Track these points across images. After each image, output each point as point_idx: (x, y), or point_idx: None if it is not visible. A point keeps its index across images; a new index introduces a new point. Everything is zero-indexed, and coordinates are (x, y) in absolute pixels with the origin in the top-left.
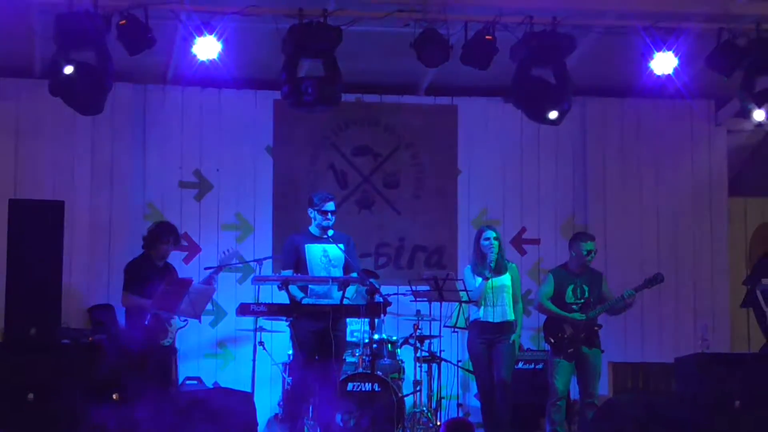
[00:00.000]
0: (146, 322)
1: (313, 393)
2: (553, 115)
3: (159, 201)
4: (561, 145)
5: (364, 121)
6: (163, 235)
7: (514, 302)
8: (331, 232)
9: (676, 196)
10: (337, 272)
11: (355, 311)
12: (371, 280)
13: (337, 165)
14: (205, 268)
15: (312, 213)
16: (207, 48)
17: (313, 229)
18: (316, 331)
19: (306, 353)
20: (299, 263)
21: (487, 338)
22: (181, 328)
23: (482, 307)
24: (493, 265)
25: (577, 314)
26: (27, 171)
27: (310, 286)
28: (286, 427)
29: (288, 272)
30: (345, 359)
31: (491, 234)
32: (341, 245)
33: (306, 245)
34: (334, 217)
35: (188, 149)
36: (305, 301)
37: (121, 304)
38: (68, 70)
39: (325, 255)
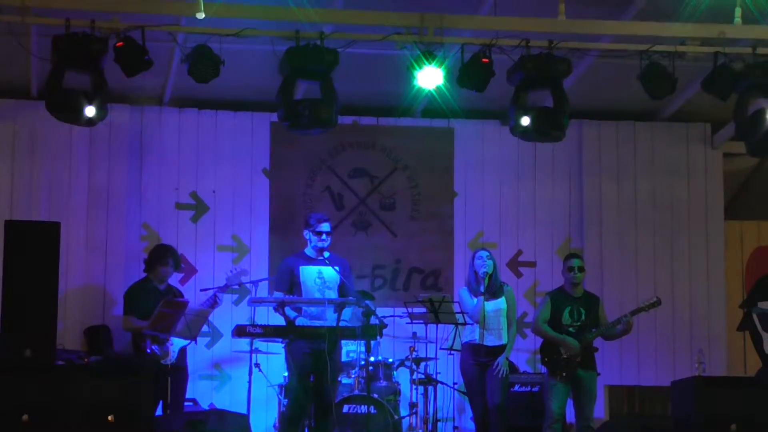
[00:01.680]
0: (148, 350)
1: (308, 415)
2: (525, 121)
3: (155, 222)
4: (557, 168)
5: (360, 144)
6: (162, 257)
7: (509, 325)
8: (327, 254)
9: (673, 220)
10: (332, 294)
11: (351, 333)
12: (367, 302)
13: (333, 187)
14: (201, 290)
15: (307, 234)
16: (206, 71)
17: (309, 251)
18: (311, 353)
19: (301, 375)
20: (294, 285)
21: (481, 361)
22: (184, 347)
23: (477, 330)
24: (486, 281)
25: (572, 339)
26: (23, 192)
27: (304, 307)
28: None
29: (279, 294)
30: (341, 381)
31: (484, 254)
32: (337, 267)
33: (301, 267)
34: (329, 238)
35: (185, 171)
36: (299, 321)
37: (123, 329)
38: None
39: (320, 277)
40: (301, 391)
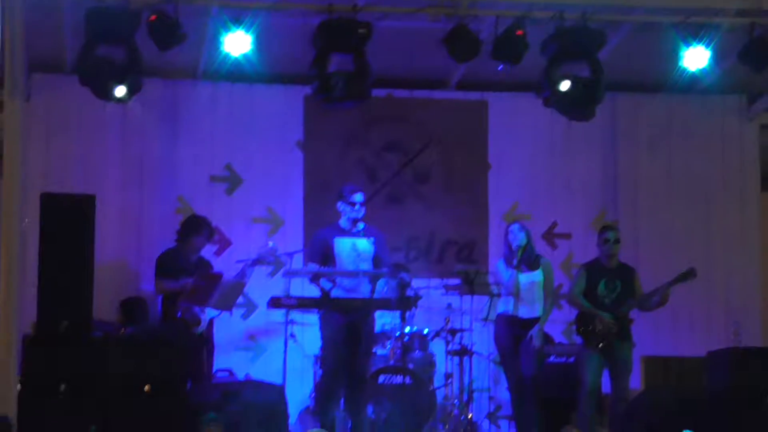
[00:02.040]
0: (179, 314)
1: (343, 386)
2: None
3: (190, 195)
4: (592, 140)
5: (394, 117)
6: (197, 228)
7: (545, 297)
8: (361, 226)
9: (708, 192)
10: (366, 266)
11: (386, 304)
12: (402, 273)
13: (367, 160)
14: (237, 261)
15: (341, 206)
16: (237, 43)
17: (343, 222)
18: (345, 324)
19: (336, 346)
20: (328, 257)
21: (515, 333)
22: (215, 317)
23: (512, 301)
24: (519, 254)
25: (606, 313)
26: (58, 165)
27: (338, 279)
28: (318, 420)
29: (313, 266)
30: (375, 353)
31: (516, 227)
32: (371, 238)
33: (335, 239)
34: (363, 209)
35: (219, 144)
36: (334, 293)
37: (156, 292)
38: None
39: (354, 249)
40: (335, 363)
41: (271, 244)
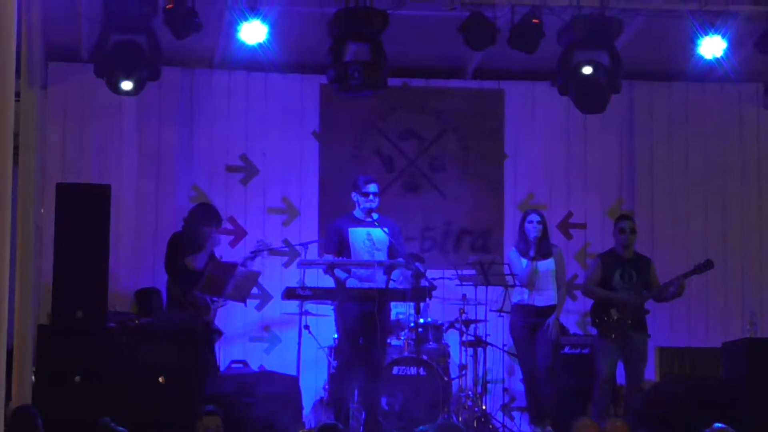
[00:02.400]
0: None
1: (358, 377)
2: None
3: (205, 185)
4: (608, 129)
5: (410, 106)
6: (205, 217)
7: (559, 287)
8: (375, 216)
9: (725, 181)
10: (381, 256)
11: (400, 295)
12: (417, 264)
13: (383, 149)
14: (251, 252)
15: (355, 196)
16: (253, 32)
17: (357, 212)
18: (361, 315)
19: (350, 337)
20: (343, 247)
21: (531, 322)
22: (221, 307)
23: (527, 291)
24: (536, 246)
25: (625, 295)
26: (74, 155)
27: (353, 269)
28: (332, 411)
29: (328, 256)
30: (390, 343)
31: (535, 218)
32: (386, 228)
33: (350, 229)
34: (377, 199)
35: (235, 133)
36: (349, 284)
37: (193, 267)
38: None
39: (368, 238)
40: (350, 353)
41: (263, 241)
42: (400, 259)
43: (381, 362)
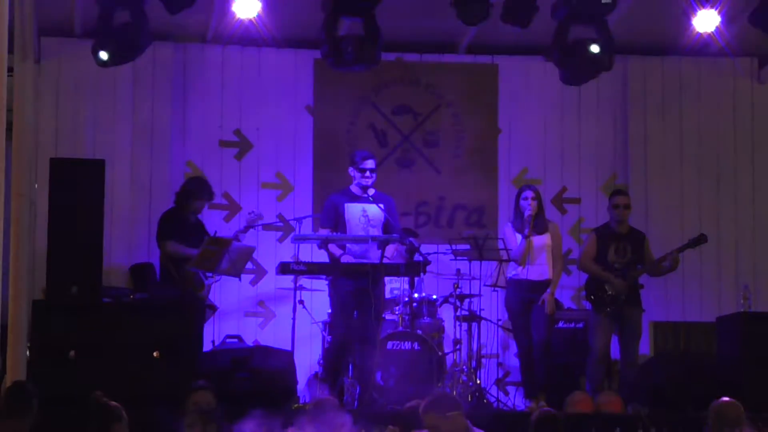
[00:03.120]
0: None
1: (352, 352)
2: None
3: (199, 160)
4: (602, 104)
5: (404, 81)
6: (198, 191)
7: (554, 261)
8: (372, 192)
9: (719, 155)
10: (375, 232)
11: (394, 270)
12: (410, 239)
13: (377, 124)
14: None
15: (352, 171)
16: (246, 7)
17: (354, 188)
18: (355, 290)
19: (345, 311)
20: (338, 222)
21: (526, 297)
22: (215, 282)
23: (521, 266)
24: (530, 222)
25: (618, 279)
26: (68, 130)
27: (347, 245)
28: (326, 386)
29: (324, 231)
30: (384, 318)
31: (530, 194)
32: (381, 205)
33: (345, 204)
34: (374, 175)
35: (228, 108)
36: (343, 259)
37: (166, 251)
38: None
39: (364, 214)
40: (344, 328)
41: (254, 212)
42: (395, 234)
43: (376, 337)
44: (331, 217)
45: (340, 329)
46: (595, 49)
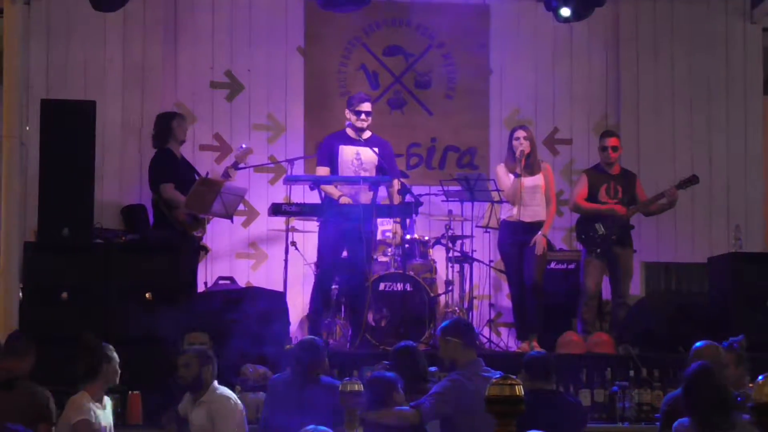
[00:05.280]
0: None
1: (343, 293)
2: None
3: (190, 101)
4: (594, 45)
5: (395, 21)
6: (171, 119)
7: (547, 202)
8: (368, 134)
9: (710, 95)
10: (367, 175)
11: (387, 211)
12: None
13: (368, 65)
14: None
15: (348, 114)
16: None
17: (349, 130)
18: (344, 230)
19: (333, 251)
20: (332, 163)
21: (519, 239)
22: (208, 222)
23: (514, 207)
24: (521, 162)
25: (614, 210)
26: (58, 71)
27: (338, 187)
28: (312, 324)
29: (322, 170)
30: (376, 259)
31: (522, 133)
32: (376, 149)
33: (340, 146)
34: (369, 118)
35: (219, 50)
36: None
37: (163, 196)
38: None
39: (357, 158)
40: (330, 265)
41: (244, 146)
42: (387, 177)
43: (368, 277)
44: (326, 157)
45: (326, 265)
46: (565, 12)
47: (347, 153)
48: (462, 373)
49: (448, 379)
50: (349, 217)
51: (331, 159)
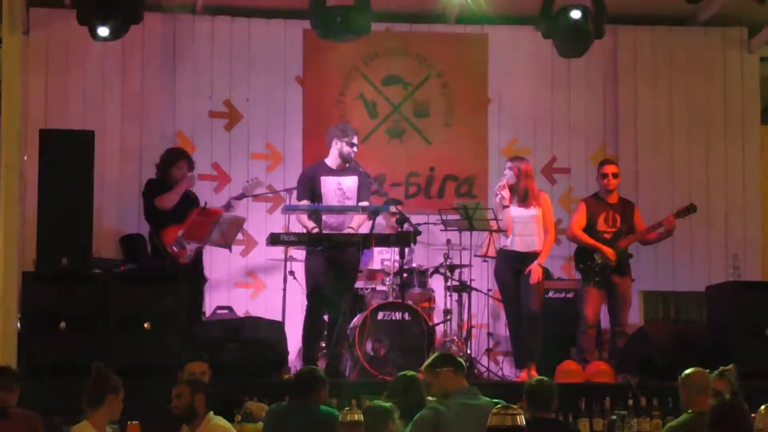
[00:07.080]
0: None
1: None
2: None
3: (189, 130)
4: (592, 74)
5: (394, 51)
6: (175, 160)
7: (546, 232)
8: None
9: (708, 126)
10: (351, 204)
11: (385, 240)
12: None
13: (367, 95)
14: (233, 198)
15: (338, 143)
16: None
17: (330, 160)
18: (328, 263)
19: (318, 285)
20: (315, 195)
21: (514, 267)
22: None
23: (511, 236)
24: (508, 193)
25: (607, 248)
26: (57, 101)
27: (323, 217)
28: (305, 357)
29: (305, 203)
30: (374, 289)
31: (509, 164)
32: (355, 177)
33: (322, 177)
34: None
35: (218, 79)
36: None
37: (162, 207)
38: None
39: (339, 187)
40: (317, 302)
41: (252, 180)
42: (386, 206)
43: (347, 308)
44: (306, 190)
45: (313, 303)
46: (575, 15)
47: (329, 183)
48: (443, 402)
49: (427, 407)
50: (346, 247)
51: (313, 191)
